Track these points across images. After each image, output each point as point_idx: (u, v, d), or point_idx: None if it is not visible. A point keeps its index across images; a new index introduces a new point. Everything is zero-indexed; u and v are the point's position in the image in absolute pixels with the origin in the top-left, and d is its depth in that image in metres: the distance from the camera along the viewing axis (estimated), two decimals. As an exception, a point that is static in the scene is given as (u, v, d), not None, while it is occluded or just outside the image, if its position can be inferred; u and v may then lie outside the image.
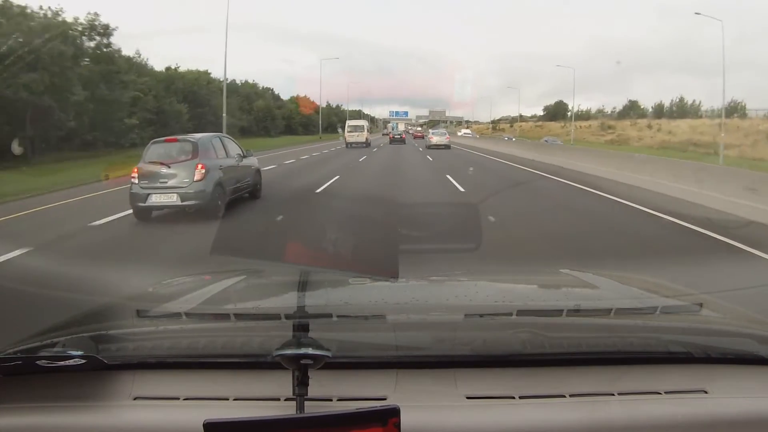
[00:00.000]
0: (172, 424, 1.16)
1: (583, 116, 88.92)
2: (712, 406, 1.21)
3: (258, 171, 12.15)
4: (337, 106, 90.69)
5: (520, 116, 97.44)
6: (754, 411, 1.20)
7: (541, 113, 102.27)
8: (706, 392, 1.24)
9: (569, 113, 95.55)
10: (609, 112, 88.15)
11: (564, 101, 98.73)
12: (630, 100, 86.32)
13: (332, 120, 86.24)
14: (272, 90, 76.94)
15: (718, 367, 1.29)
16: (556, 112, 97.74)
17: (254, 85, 70.32)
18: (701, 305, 1.64)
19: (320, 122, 71.93)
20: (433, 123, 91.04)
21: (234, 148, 11.45)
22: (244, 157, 11.52)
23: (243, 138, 46.42)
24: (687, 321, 1.57)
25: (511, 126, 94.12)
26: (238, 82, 65.69)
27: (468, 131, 69.65)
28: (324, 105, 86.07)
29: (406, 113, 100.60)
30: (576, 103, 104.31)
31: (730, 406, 1.21)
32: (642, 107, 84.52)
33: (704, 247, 7.57)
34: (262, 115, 64.68)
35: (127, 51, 40.06)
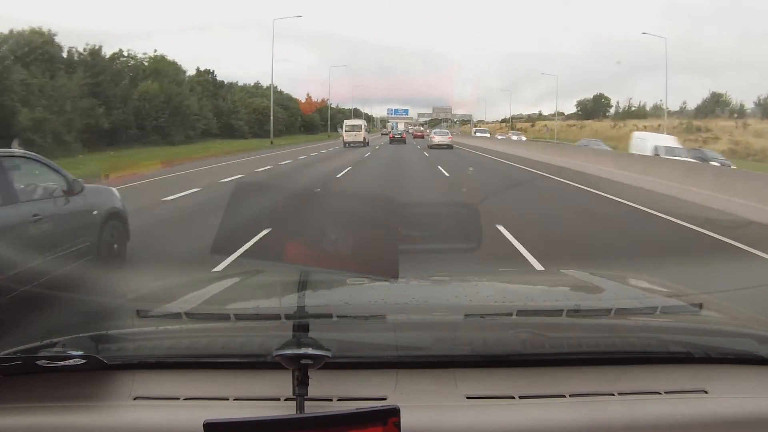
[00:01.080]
0: (172, 424, 1.16)
1: (637, 114, 69.27)
2: (712, 406, 1.21)
3: (115, 215, 6.37)
4: (322, 101, 75.74)
5: (540, 113, 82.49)
6: (754, 411, 1.20)
7: (572, 111, 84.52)
8: (706, 392, 1.24)
9: (612, 110, 76.87)
10: (678, 109, 65.71)
11: (606, 95, 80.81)
12: (713, 92, 66.14)
13: (311, 118, 70.54)
14: (212, 73, 51.33)
15: (718, 367, 1.30)
16: (595, 108, 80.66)
17: (156, 59, 41.20)
18: (701, 305, 1.64)
19: (271, 118, 47.55)
20: (435, 122, 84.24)
21: (37, 177, 5.69)
22: (72, 194, 5.72)
23: (105, 148, 27.97)
24: (687, 321, 1.57)
25: (533, 125, 77.48)
26: (131, 54, 39.27)
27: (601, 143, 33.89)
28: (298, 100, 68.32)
29: (406, 111, 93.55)
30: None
31: (730, 406, 1.21)
32: (731, 102, 63.04)
33: None
34: (154, 108, 36.84)
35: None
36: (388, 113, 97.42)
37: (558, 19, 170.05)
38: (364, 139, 41.24)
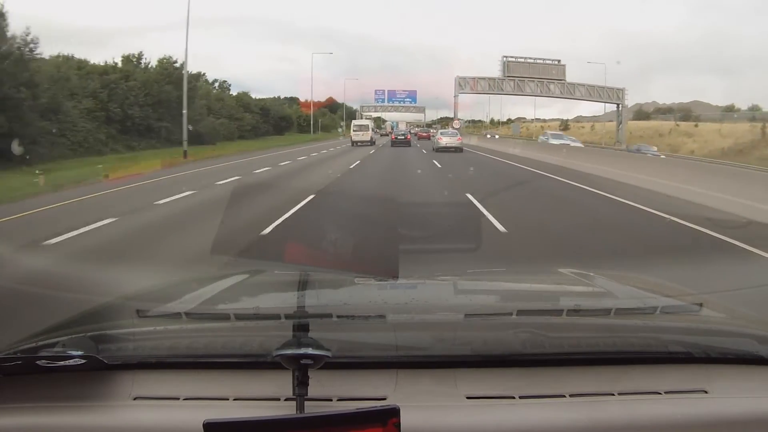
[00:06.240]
0: (172, 424, 1.16)
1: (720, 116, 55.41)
2: (712, 406, 1.21)
3: None
4: (328, 98, 66.58)
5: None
6: (754, 411, 1.20)
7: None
8: (706, 392, 1.24)
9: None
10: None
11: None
12: None
13: (313, 116, 59.80)
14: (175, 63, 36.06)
15: (718, 367, 1.30)
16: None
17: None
18: (701, 305, 1.64)
19: (184, 113, 27.36)
20: (444, 123, 75.93)
21: None
22: None
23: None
24: (687, 321, 1.57)
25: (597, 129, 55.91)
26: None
27: None
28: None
29: (413, 99, 67.53)
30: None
31: (730, 406, 1.21)
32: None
33: None
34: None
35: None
36: (375, 99, 67.97)
37: (570, 15, 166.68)
38: (371, 138, 43.50)
